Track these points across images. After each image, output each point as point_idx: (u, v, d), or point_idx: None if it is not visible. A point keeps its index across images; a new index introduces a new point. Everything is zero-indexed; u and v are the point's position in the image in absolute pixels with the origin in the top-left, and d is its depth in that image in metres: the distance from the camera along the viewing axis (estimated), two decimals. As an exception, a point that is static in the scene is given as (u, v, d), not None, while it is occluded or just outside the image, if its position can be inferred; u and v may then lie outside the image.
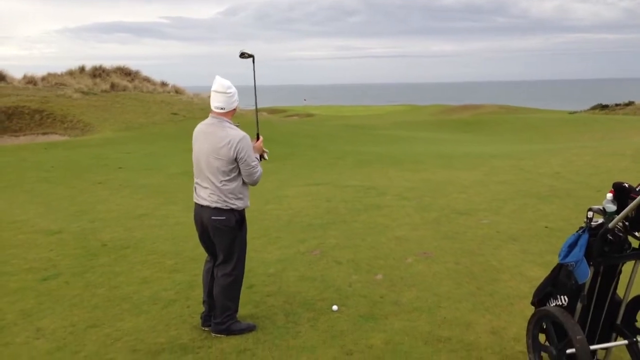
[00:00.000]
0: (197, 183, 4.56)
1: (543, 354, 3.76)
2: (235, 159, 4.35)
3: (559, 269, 3.68)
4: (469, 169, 12.64)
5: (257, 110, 5.02)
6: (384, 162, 14.39)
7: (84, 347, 4.47)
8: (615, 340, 3.79)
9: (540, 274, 5.34)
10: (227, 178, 4.39)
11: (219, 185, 4.39)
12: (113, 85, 28.40)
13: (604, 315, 3.69)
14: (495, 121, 32.67)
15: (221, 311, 4.57)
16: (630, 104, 46.18)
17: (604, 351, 3.78)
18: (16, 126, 22.51)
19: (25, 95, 24.69)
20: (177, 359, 4.23)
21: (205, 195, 4.45)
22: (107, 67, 31.29)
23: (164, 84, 32.06)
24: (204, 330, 4.71)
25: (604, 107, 48.07)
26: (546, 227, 7.42)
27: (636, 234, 3.51)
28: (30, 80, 27.75)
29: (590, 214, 3.49)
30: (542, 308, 3.73)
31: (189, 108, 26.52)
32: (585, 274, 3.38)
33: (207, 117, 4.56)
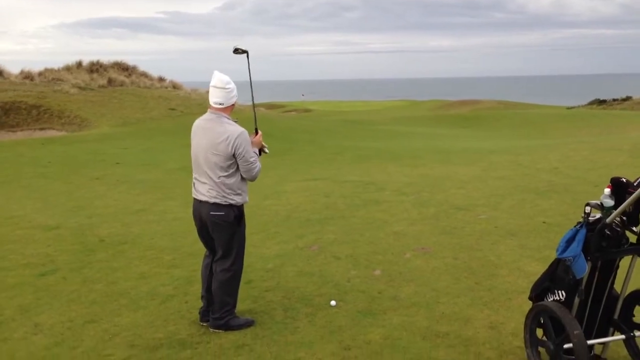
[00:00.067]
0: (195, 178, 4.56)
1: (541, 348, 3.76)
2: (234, 155, 4.34)
3: (556, 264, 3.69)
4: (467, 165, 12.65)
5: (254, 105, 5.00)
6: (382, 158, 14.39)
7: (82, 343, 4.47)
8: (613, 335, 3.79)
9: (538, 269, 5.34)
10: (226, 174, 4.39)
11: (218, 180, 4.38)
12: (110, 80, 28.29)
13: (602, 310, 3.70)
14: (494, 116, 32.66)
15: (220, 306, 4.57)
16: (627, 99, 46.21)
17: (602, 346, 3.79)
18: (13, 121, 22.43)
19: (22, 91, 24.60)
20: (176, 355, 4.23)
21: (204, 191, 4.45)
22: (104, 63, 31.17)
23: (161, 79, 31.96)
24: (202, 325, 4.71)
25: (601, 102, 48.08)
26: (544, 222, 7.43)
27: (634, 228, 3.52)
28: (27, 76, 27.64)
29: (588, 209, 3.49)
30: (540, 303, 3.74)
31: (186, 103, 26.45)
32: (582, 268, 3.38)
33: (204, 112, 4.55)
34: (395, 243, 6.75)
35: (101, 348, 4.37)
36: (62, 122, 22.50)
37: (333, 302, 5.03)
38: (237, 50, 4.68)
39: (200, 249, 4.92)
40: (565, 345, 3.44)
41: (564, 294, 3.62)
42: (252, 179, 4.53)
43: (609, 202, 3.42)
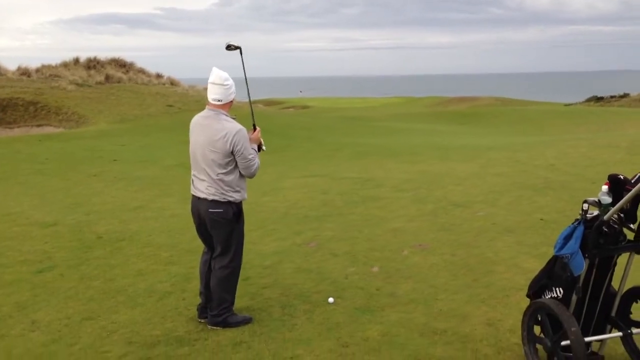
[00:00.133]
0: (194, 175, 4.55)
1: (538, 345, 3.77)
2: (232, 152, 4.33)
3: (554, 261, 3.69)
4: (465, 161, 12.64)
5: (250, 101, 4.98)
6: (380, 154, 14.38)
7: (79, 340, 4.46)
8: (610, 332, 3.80)
9: (535, 266, 5.34)
10: (224, 171, 4.38)
11: (216, 177, 4.38)
12: (108, 77, 28.21)
13: (599, 307, 3.70)
14: (492, 113, 32.66)
15: (218, 303, 4.57)
16: (625, 95, 46.24)
17: (599, 343, 3.79)
18: (10, 118, 22.37)
19: (19, 87, 24.52)
20: (173, 351, 4.23)
21: (203, 188, 4.44)
22: (102, 59, 31.07)
23: (159, 76, 31.88)
24: (200, 322, 4.71)
25: (599, 99, 48.10)
26: (541, 219, 7.43)
27: (631, 226, 3.52)
28: (24, 72, 27.55)
29: (585, 206, 3.49)
30: (538, 300, 3.74)
31: (184, 100, 26.41)
32: (580, 266, 3.39)
33: (202, 109, 4.54)
34: (393, 240, 6.75)
35: (98, 345, 4.37)
36: (60, 119, 22.45)
37: (331, 299, 5.03)
38: (229, 47, 4.65)
39: (198, 245, 4.91)
40: (563, 342, 3.44)
41: (561, 291, 3.62)
42: (251, 176, 4.52)
43: (607, 199, 3.42)
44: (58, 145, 16.37)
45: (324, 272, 5.75)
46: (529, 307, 3.79)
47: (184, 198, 8.73)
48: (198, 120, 4.52)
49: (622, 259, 3.66)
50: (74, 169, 12.65)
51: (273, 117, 25.19)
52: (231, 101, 4.49)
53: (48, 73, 27.80)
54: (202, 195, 4.45)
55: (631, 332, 3.72)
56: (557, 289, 3.65)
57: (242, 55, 4.67)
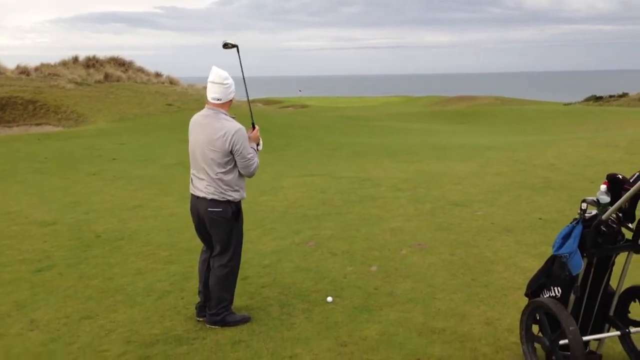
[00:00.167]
0: (193, 174, 4.55)
1: (536, 344, 3.77)
2: (231, 152, 4.33)
3: (552, 260, 3.69)
4: (463, 160, 12.65)
5: (248, 99, 4.97)
6: (379, 154, 14.39)
7: (78, 339, 4.46)
8: (608, 331, 3.81)
9: (534, 265, 5.35)
10: (223, 170, 4.38)
11: (215, 176, 4.38)
12: (107, 75, 28.20)
13: (597, 307, 3.71)
14: (491, 112, 32.67)
15: (216, 302, 4.57)
16: (624, 95, 46.27)
17: (597, 342, 3.80)
18: (9, 117, 22.36)
19: (18, 86, 24.50)
20: (172, 350, 4.23)
21: (202, 187, 4.44)
22: (101, 58, 31.05)
23: (158, 75, 31.87)
24: (198, 321, 4.71)
25: (598, 98, 48.14)
26: (540, 218, 7.44)
27: (629, 225, 3.53)
28: (23, 71, 27.53)
29: (584, 205, 3.49)
30: (536, 299, 3.75)
31: (183, 99, 26.40)
32: (578, 265, 3.39)
33: (201, 107, 4.54)
34: (392, 239, 6.75)
35: (97, 344, 4.37)
36: (59, 118, 22.43)
37: (329, 298, 5.03)
38: (226, 45, 4.64)
39: (197, 244, 4.92)
40: (561, 341, 3.45)
41: (559, 290, 3.63)
42: (250, 176, 4.52)
43: (605, 199, 3.43)
44: (57, 144, 16.36)
45: (323, 272, 5.75)
46: (527, 306, 3.80)
47: (183, 197, 8.73)
48: (197, 119, 4.52)
49: (621, 259, 3.66)
50: (73, 168, 12.64)
51: (272, 117, 25.18)
52: (231, 100, 4.49)
53: (47, 72, 27.79)
54: (201, 194, 4.45)
55: (629, 331, 3.72)
56: (556, 288, 3.66)
57: (239, 53, 4.67)
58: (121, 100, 24.90)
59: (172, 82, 30.98)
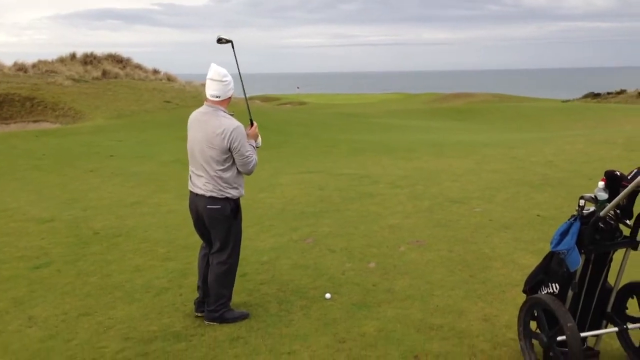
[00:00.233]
0: (192, 171, 4.54)
1: (534, 341, 3.78)
2: (229, 149, 4.33)
3: (550, 256, 3.70)
4: (461, 157, 12.66)
5: (245, 96, 4.96)
6: (377, 151, 14.39)
7: (76, 335, 4.46)
8: (606, 327, 3.81)
9: (532, 262, 5.37)
10: (222, 167, 4.37)
11: (214, 174, 4.37)
12: (104, 72, 28.14)
13: (595, 303, 3.71)
14: (488, 109, 32.68)
15: (215, 299, 4.57)
16: (622, 92, 46.25)
17: (595, 338, 3.81)
18: (6, 114, 22.30)
19: (15, 83, 24.45)
20: (170, 347, 4.23)
21: (200, 184, 4.43)
22: (99, 54, 30.99)
23: (156, 72, 31.81)
24: (197, 316, 4.71)
25: (596, 95, 48.13)
26: (538, 215, 7.45)
27: (627, 222, 3.53)
28: (20, 67, 27.45)
29: (582, 202, 3.50)
30: (534, 296, 3.75)
31: (181, 96, 26.37)
32: (576, 261, 3.39)
33: (199, 104, 4.53)
34: (390, 236, 6.76)
35: (95, 341, 4.37)
36: (56, 115, 22.39)
37: (328, 295, 5.04)
38: (220, 40, 4.62)
39: (195, 241, 4.91)
40: (559, 338, 3.45)
41: (557, 286, 3.63)
42: (249, 173, 4.52)
43: (603, 195, 3.43)
44: (55, 141, 16.34)
45: (321, 268, 5.76)
46: (525, 302, 3.81)
47: (181, 194, 8.73)
48: (196, 116, 4.51)
49: (618, 255, 3.67)
50: (71, 165, 12.63)
51: (270, 113, 25.16)
52: (229, 97, 4.48)
53: (44, 68, 27.72)
54: (199, 192, 4.45)
55: (627, 327, 3.73)
56: (554, 284, 3.66)
57: (234, 49, 4.65)
58: (119, 97, 24.85)
59: (169, 79, 30.93)
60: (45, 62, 28.81)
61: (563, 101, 45.14)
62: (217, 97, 4.40)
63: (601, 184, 3.46)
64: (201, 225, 4.60)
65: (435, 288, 5.17)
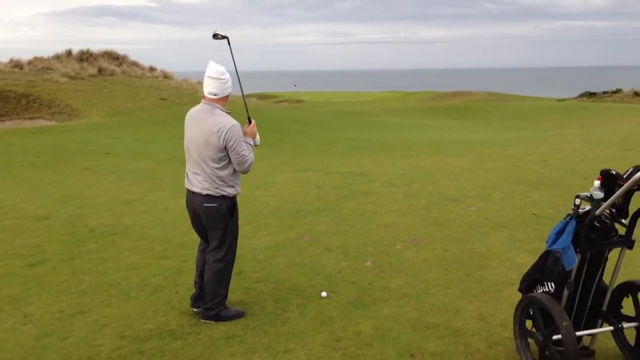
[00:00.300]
0: (188, 169, 4.54)
1: (530, 339, 3.79)
2: (225, 147, 4.31)
3: (546, 255, 3.70)
4: (458, 156, 12.68)
5: (243, 93, 4.92)
6: (374, 149, 14.40)
7: (72, 333, 4.45)
8: (601, 326, 3.82)
9: (527, 261, 5.38)
10: (218, 165, 4.36)
11: (210, 172, 4.37)
12: (100, 69, 28.08)
13: (590, 302, 3.72)
14: (484, 108, 32.74)
15: (211, 297, 4.57)
16: (617, 91, 46.34)
17: (590, 337, 3.82)
18: (2, 111, 22.23)
19: (11, 79, 24.37)
20: (166, 345, 4.22)
21: (197, 182, 4.43)
22: (95, 52, 30.92)
23: (152, 69, 31.77)
24: (193, 312, 4.71)
25: (592, 94, 48.22)
26: (534, 214, 7.46)
27: (623, 221, 3.54)
28: (16, 64, 27.38)
29: (577, 201, 3.50)
30: (529, 295, 3.76)
31: (177, 93, 26.33)
32: (572, 260, 3.40)
33: (196, 102, 4.52)
34: (386, 234, 6.76)
35: (91, 339, 4.36)
36: (52, 112, 22.33)
37: (324, 293, 5.04)
38: (216, 36, 4.61)
39: (191, 239, 4.91)
40: (554, 337, 3.46)
41: (553, 285, 3.64)
42: (245, 172, 4.50)
43: (599, 195, 3.44)
44: (50, 138, 16.30)
45: (317, 267, 5.76)
46: (520, 301, 3.81)
47: (177, 192, 8.72)
48: (193, 114, 4.49)
49: (614, 254, 3.68)
50: (67, 162, 12.59)
51: (267, 111, 25.15)
52: (227, 95, 4.47)
53: (40, 65, 27.65)
54: (196, 190, 4.44)
55: (622, 326, 3.74)
56: (549, 283, 3.67)
57: (230, 45, 4.63)
58: (115, 94, 24.80)
59: (166, 76, 30.88)
60: (41, 59, 28.73)
61: (559, 100, 45.21)
62: (214, 94, 4.39)
63: (597, 183, 3.47)
64: (198, 223, 4.59)
65: (431, 287, 5.18)
